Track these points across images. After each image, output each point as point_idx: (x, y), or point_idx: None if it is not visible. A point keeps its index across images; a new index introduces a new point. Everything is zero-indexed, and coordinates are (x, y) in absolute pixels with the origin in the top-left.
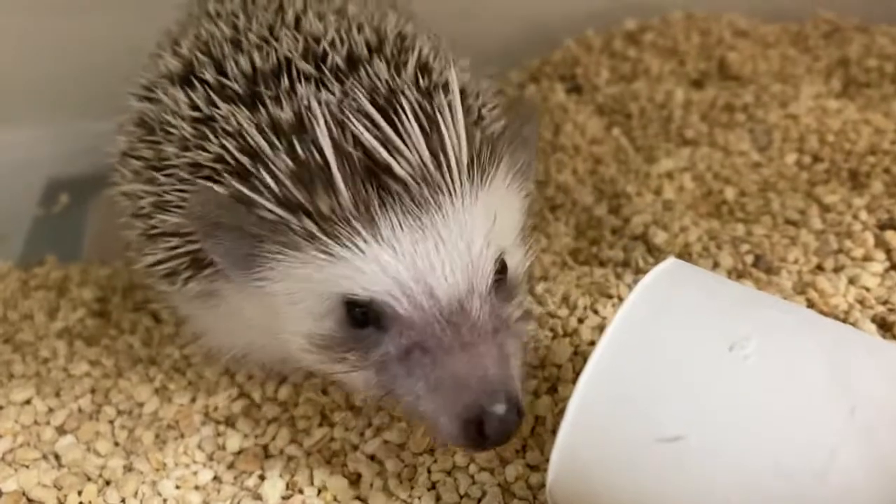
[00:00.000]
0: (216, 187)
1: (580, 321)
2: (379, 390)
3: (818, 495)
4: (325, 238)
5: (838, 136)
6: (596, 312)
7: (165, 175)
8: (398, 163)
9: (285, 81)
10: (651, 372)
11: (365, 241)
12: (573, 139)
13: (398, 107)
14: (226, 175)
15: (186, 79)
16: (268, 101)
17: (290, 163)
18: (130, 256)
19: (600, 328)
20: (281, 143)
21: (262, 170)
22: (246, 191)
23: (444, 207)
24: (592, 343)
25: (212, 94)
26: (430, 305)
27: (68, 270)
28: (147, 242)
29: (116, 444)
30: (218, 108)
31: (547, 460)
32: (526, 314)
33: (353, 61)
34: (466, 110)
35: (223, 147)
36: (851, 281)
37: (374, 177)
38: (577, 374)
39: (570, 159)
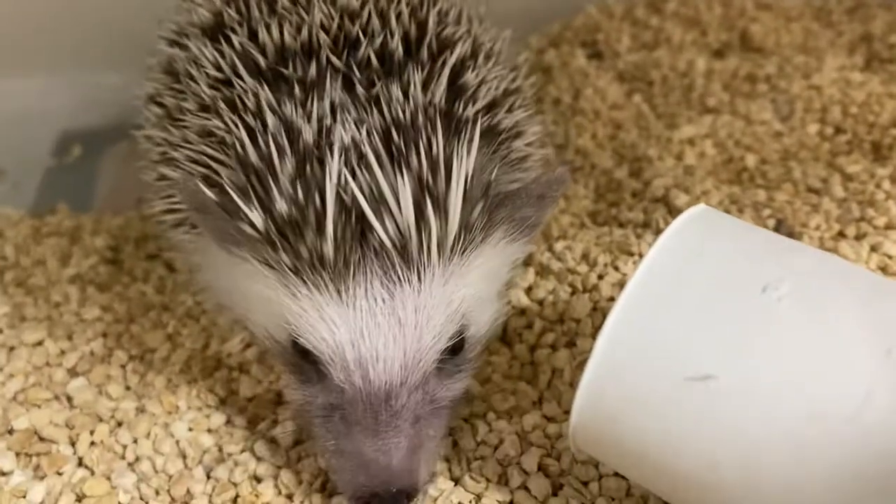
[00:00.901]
0: (204, 186)
1: (600, 277)
2: (301, 421)
3: (851, 437)
4: (292, 276)
5: (862, 109)
6: (616, 269)
7: (178, 128)
8: (385, 229)
9: (313, 70)
10: (682, 310)
11: (329, 297)
12: (593, 104)
13: (405, 161)
14: (223, 167)
15: (214, 33)
16: (295, 88)
17: (289, 190)
18: (144, 207)
19: (620, 284)
20: (289, 158)
21: (261, 182)
22: (237, 202)
23: (411, 286)
24: (612, 299)
25: (236, 60)
26: (360, 386)
27: (80, 220)
28: (163, 189)
29: (128, 387)
30: (241, 77)
31: (565, 412)
32: (467, 380)
33: (384, 60)
34: (490, 157)
35: (234, 126)
36: (874, 248)
37: (361, 236)
38: (595, 328)
39: (590, 123)
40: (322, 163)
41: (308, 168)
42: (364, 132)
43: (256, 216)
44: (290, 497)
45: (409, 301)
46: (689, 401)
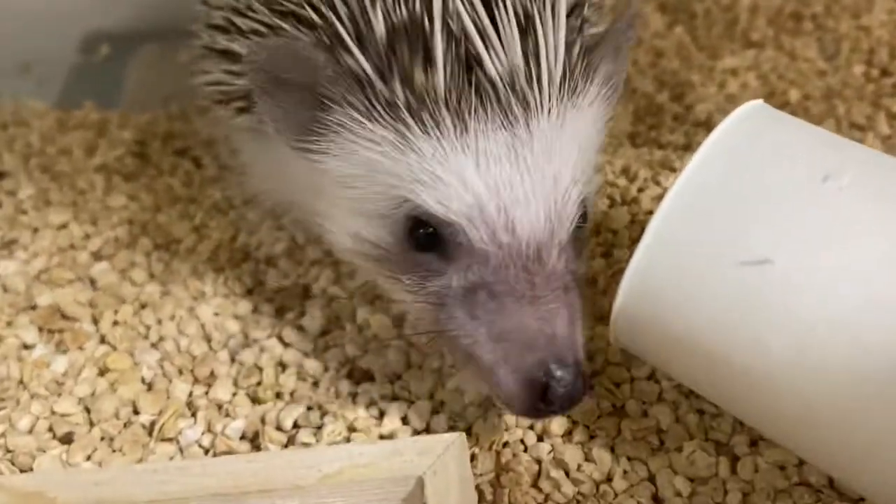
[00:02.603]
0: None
1: (640, 190)
2: (431, 325)
3: None
4: (408, 116)
5: None
6: (657, 184)
7: None
8: (492, 60)
9: None
10: (741, 195)
11: (450, 142)
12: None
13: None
14: (305, 14)
15: None
16: None
17: (389, 16)
18: (171, 109)
19: (660, 198)
20: None
21: (355, 13)
22: (338, 31)
23: (531, 126)
24: (651, 212)
25: None
26: (508, 243)
27: (107, 114)
28: (209, 57)
29: (152, 275)
30: None
31: (599, 319)
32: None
33: None
34: (571, 9)
35: None
36: None
37: (468, 70)
38: (633, 240)
39: (632, 50)
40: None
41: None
42: None
43: (356, 50)
44: (315, 384)
45: (536, 144)
46: (743, 285)
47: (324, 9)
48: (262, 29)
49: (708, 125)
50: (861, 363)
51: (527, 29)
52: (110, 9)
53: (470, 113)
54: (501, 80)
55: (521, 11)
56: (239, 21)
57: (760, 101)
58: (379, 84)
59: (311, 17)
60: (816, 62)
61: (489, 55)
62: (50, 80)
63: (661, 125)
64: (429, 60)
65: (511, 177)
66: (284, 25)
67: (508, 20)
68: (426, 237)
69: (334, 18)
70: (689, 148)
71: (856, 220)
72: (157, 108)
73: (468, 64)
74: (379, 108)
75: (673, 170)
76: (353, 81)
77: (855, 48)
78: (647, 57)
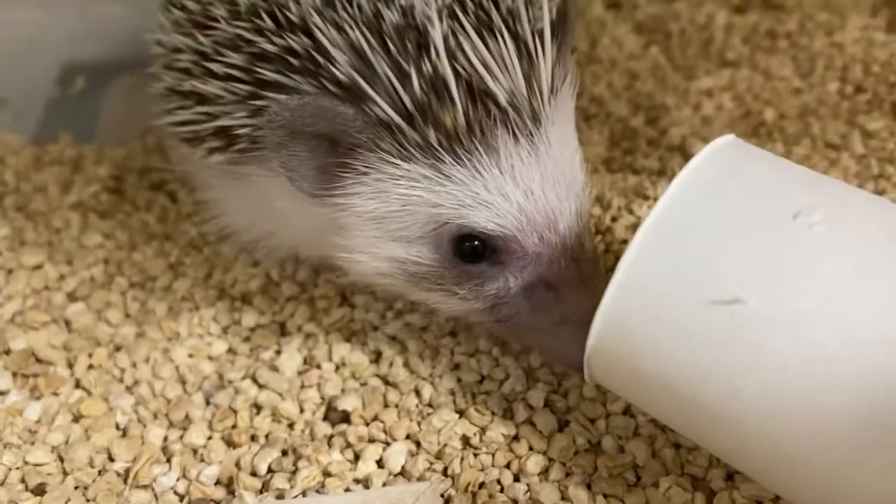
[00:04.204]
0: (308, 94)
1: (613, 220)
2: (491, 320)
3: (883, 363)
4: (441, 152)
5: (884, 68)
6: (631, 212)
7: (209, 38)
8: (499, 88)
9: None
10: (711, 234)
11: (484, 166)
12: (610, 53)
13: (494, 26)
14: (298, 65)
15: None
16: None
17: (404, 65)
18: (148, 141)
19: (634, 227)
20: (389, 44)
21: (374, 66)
22: (361, 84)
23: (544, 135)
24: (625, 241)
25: None
26: (554, 241)
27: (83, 149)
28: (175, 99)
29: (128, 315)
30: None
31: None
32: None
33: None
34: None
35: (301, 31)
36: None
37: (480, 100)
38: (608, 270)
39: (606, 73)
40: (427, 29)
41: (409, 46)
42: (434, 5)
43: (383, 102)
44: (291, 426)
45: (549, 150)
46: (715, 325)
47: (321, 57)
48: (238, 73)
49: (682, 149)
50: (832, 403)
51: (523, 53)
52: (86, 41)
53: (493, 136)
54: (510, 102)
55: (515, 36)
56: (210, 65)
57: (732, 136)
58: (409, 130)
59: (306, 65)
60: (792, 80)
61: (496, 84)
62: (26, 114)
63: (635, 150)
64: (451, 102)
65: (542, 182)
66: (265, 71)
67: (507, 48)
68: (472, 249)
69: (351, 70)
70: (663, 173)
71: (826, 257)
72: (134, 139)
73: (480, 96)
74: (411, 149)
75: (646, 198)
76: (382, 128)
77: (829, 65)
78: (622, 79)
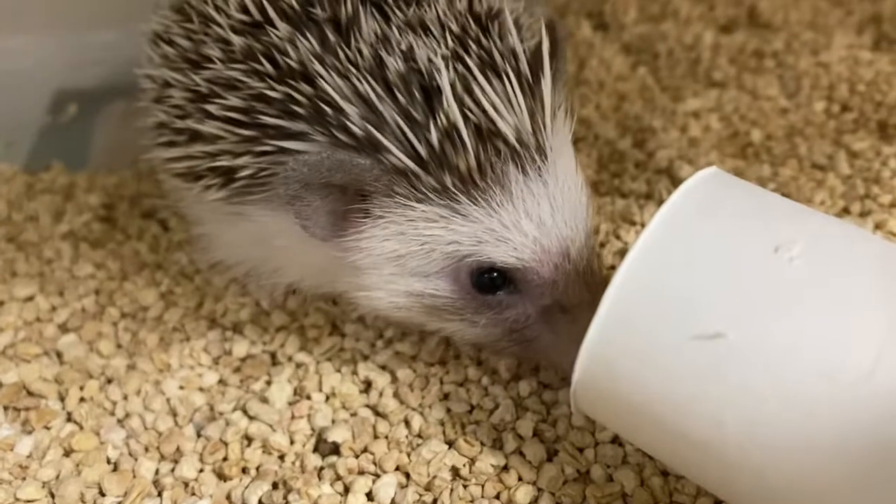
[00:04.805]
0: (323, 146)
1: (601, 245)
2: (510, 345)
3: (863, 397)
4: (457, 194)
5: (869, 87)
6: (618, 238)
7: (202, 77)
8: (507, 127)
9: (348, 7)
10: (692, 268)
11: (499, 203)
12: (598, 74)
13: (497, 66)
14: (304, 112)
15: None
16: (352, 37)
17: (413, 113)
18: (140, 167)
19: (622, 253)
20: (396, 93)
21: (384, 115)
22: (375, 135)
23: (551, 167)
24: (613, 268)
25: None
26: (568, 268)
27: (75, 177)
28: (167, 133)
29: (119, 345)
30: (274, 25)
31: (561, 380)
32: None
33: None
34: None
35: (301, 79)
36: (878, 226)
37: (489, 141)
38: None
39: (594, 94)
40: (435, 77)
41: (416, 93)
42: (438, 52)
43: (398, 151)
44: (281, 457)
45: (555, 181)
46: (697, 359)
47: (326, 107)
48: (238, 116)
49: (669, 172)
50: (813, 437)
51: (524, 88)
52: (78, 67)
53: (505, 173)
54: (518, 139)
55: (517, 73)
56: (207, 106)
57: (714, 168)
58: (424, 175)
59: (311, 112)
60: (778, 100)
61: (504, 123)
62: (18, 142)
63: (623, 172)
64: (463, 146)
65: (552, 213)
66: (267, 116)
67: (511, 86)
68: (491, 281)
69: (364, 122)
70: (650, 197)
71: (806, 291)
72: (126, 166)
73: (489, 137)
74: (427, 192)
75: (633, 223)
76: (397, 175)
77: (815, 85)
78: (610, 101)
